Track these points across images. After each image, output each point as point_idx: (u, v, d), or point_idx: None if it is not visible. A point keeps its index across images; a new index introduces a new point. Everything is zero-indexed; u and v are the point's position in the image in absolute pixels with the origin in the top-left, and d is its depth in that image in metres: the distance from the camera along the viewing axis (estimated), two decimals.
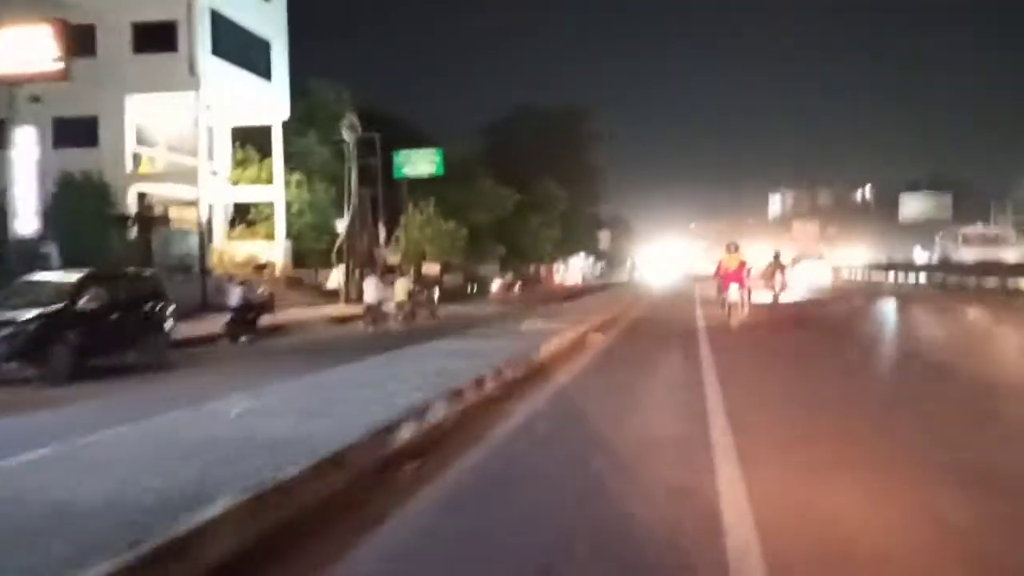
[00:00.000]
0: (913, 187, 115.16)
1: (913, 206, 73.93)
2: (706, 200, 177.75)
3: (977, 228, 44.04)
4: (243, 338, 17.87)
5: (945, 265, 38.91)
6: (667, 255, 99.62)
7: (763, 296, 21.82)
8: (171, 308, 13.59)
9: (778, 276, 23.41)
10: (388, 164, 36.05)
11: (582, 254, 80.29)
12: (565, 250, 66.35)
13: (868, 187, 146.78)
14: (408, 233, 34.49)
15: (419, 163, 36.25)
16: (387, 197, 35.18)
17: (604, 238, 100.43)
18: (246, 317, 18.40)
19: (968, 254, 37.03)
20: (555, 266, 66.06)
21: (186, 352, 15.51)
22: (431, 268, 39.36)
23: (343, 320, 24.72)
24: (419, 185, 37.16)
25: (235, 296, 18.46)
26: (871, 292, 33.11)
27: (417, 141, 37.93)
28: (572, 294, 36.25)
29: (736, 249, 17.95)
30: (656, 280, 51.61)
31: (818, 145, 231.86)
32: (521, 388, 8.50)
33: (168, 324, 13.36)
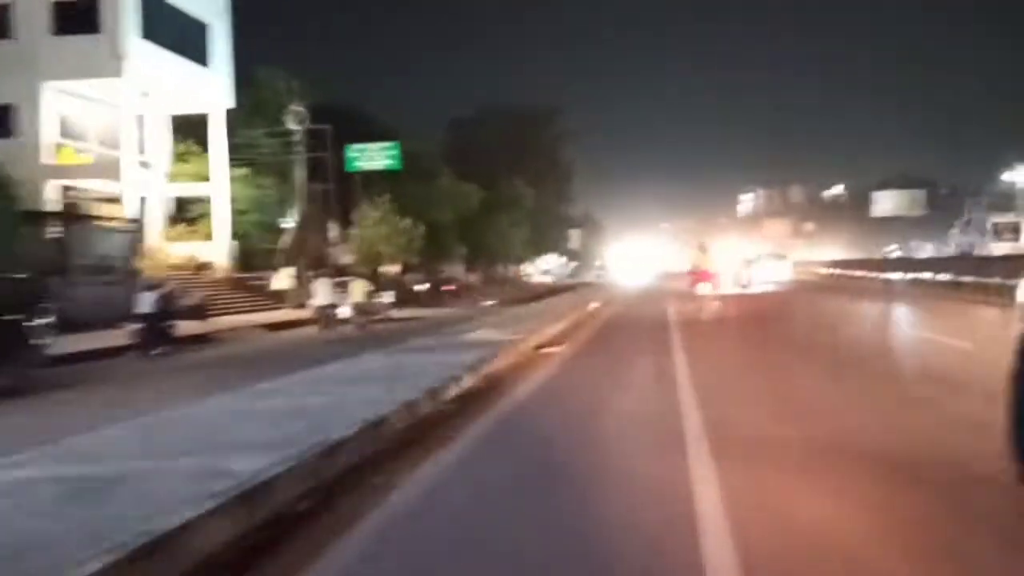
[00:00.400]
0: (884, 185, 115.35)
1: (886, 203, 72.94)
2: (677, 199, 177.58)
3: (1008, 217, 38.82)
4: (157, 350, 15.61)
5: (965, 260, 31.32)
6: (638, 254, 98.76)
7: (731, 289, 24.29)
8: (47, 318, 11.31)
9: (743, 272, 26.13)
10: (344, 160, 33.86)
11: (553, 254, 78.61)
12: (535, 249, 64.52)
13: (841, 186, 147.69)
14: (362, 231, 32.17)
15: (374, 157, 33.95)
16: (342, 194, 32.95)
17: (575, 237, 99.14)
18: (160, 325, 16.12)
19: (999, 248, 33.43)
20: (524, 266, 64.24)
21: (78, 369, 13.27)
22: (391, 269, 37.29)
23: (286, 326, 22.49)
24: (376, 182, 34.85)
25: (147, 302, 16.16)
26: (834, 288, 32.58)
27: (377, 136, 35.76)
28: (539, 295, 34.33)
29: (706, 249, 20.11)
30: (627, 279, 50.47)
31: (789, 144, 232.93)
32: (437, 431, 6.27)
33: (41, 337, 11.09)
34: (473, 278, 51.74)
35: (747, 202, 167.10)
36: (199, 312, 21.24)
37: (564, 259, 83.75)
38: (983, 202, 46.11)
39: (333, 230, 31.72)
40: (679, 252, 77.29)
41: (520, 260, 59.58)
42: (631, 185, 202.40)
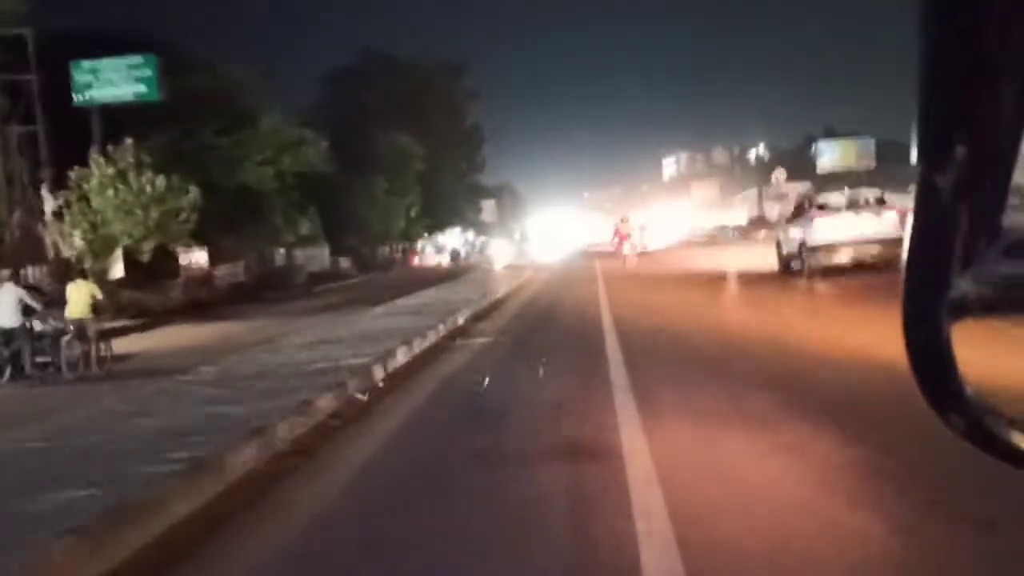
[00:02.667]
0: (810, 140, 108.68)
1: (831, 156, 64.62)
2: (599, 167, 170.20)
3: None
4: None
5: None
6: (559, 226, 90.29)
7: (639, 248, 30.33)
8: None
9: (640, 236, 32.37)
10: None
11: (456, 228, 67.34)
12: (434, 223, 53.01)
13: (762, 145, 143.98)
14: (80, 202, 19.47)
15: (116, 80, 21.73)
16: (73, 144, 20.73)
17: (488, 209, 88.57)
18: None
19: None
20: (418, 244, 52.57)
21: None
22: (192, 258, 25.39)
23: None
24: (141, 127, 22.52)
25: None
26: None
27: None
28: (423, 283, 23.23)
29: (626, 220, 28.95)
30: (546, 255, 43.06)
31: (710, 107, 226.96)
32: None
33: None
34: (346, 263, 40.18)
35: (670, 166, 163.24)
36: None
37: (471, 234, 72.83)
38: None
39: (49, 202, 19.53)
40: (602, 222, 79.25)
41: (411, 237, 47.88)
42: (552, 153, 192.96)
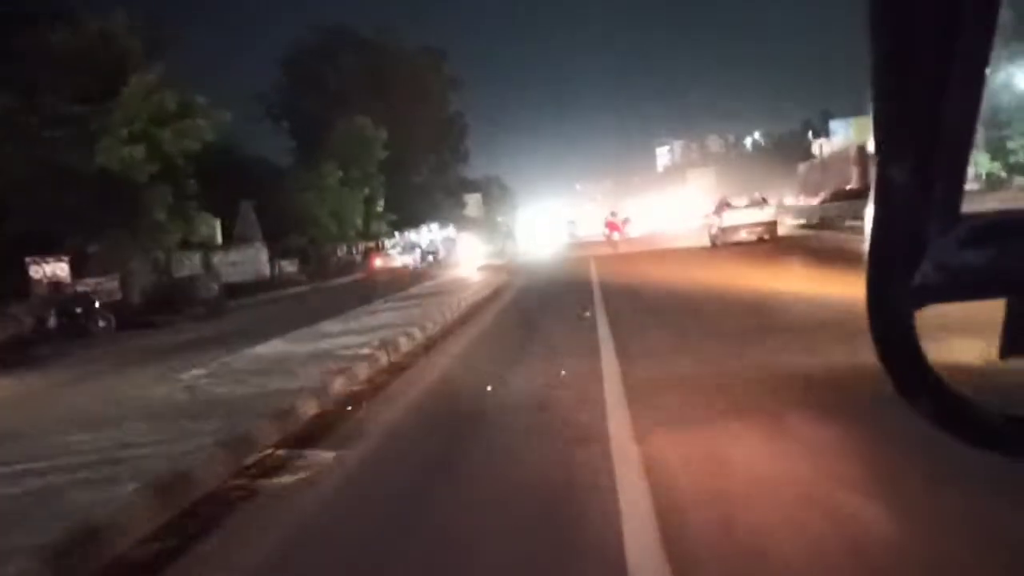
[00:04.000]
0: (807, 126, 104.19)
1: (845, 134, 59.00)
2: (592, 159, 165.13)
3: None
4: None
5: None
6: (550, 220, 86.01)
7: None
8: None
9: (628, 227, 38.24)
10: None
11: (435, 224, 60.90)
12: (405, 219, 46.58)
13: (757, 133, 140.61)
14: None
15: None
16: None
17: (473, 203, 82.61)
18: None
19: None
20: (387, 243, 45.92)
21: None
22: (49, 269, 19.20)
23: None
24: None
25: None
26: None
27: None
28: (366, 296, 16.87)
29: (616, 213, 35.86)
30: (537, 249, 42.50)
31: (705, 96, 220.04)
32: None
33: None
34: (292, 267, 33.78)
35: (664, 155, 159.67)
36: None
37: (451, 230, 66.69)
38: None
39: None
40: (595, 213, 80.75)
41: (373, 235, 41.22)
42: (544, 147, 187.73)
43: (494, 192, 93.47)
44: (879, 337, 0.57)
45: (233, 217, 29.32)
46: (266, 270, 30.28)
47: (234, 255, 27.25)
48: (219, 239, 26.63)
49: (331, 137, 33.94)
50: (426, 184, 52.85)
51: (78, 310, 17.05)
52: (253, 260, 29.26)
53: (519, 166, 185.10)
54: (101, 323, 17.38)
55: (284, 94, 54.35)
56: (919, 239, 0.55)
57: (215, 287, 21.38)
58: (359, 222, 36.53)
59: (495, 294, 15.78)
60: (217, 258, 25.78)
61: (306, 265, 33.71)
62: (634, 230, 44.35)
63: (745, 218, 22.27)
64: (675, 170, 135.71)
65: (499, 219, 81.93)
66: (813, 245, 19.71)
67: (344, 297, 19.25)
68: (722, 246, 21.90)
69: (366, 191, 36.83)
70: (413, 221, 48.58)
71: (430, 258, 43.87)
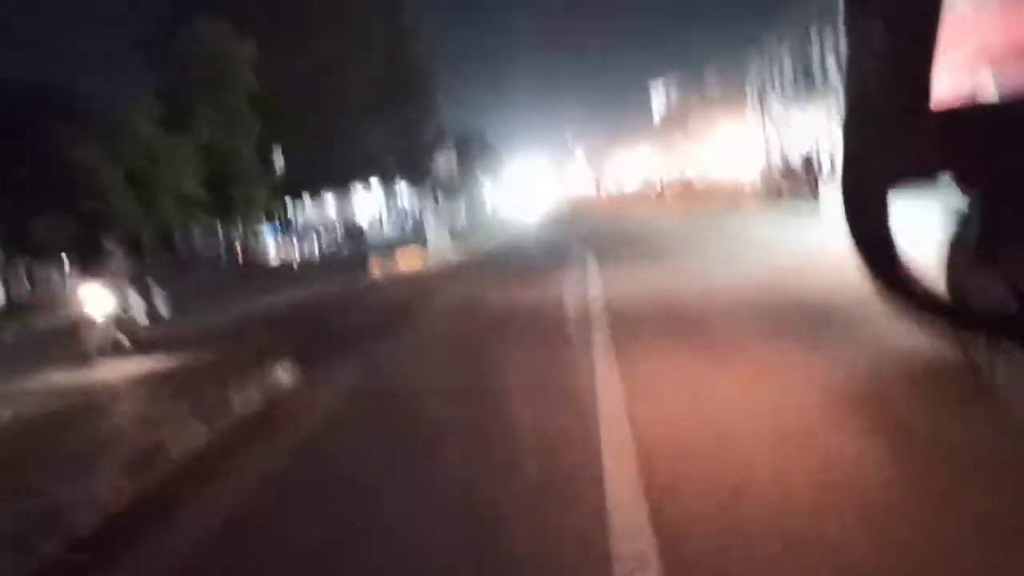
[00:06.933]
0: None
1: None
2: (587, 106, 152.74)
3: None
4: None
5: None
6: (535, 182, 76.63)
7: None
8: None
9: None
10: None
11: (373, 179, 48.05)
12: (317, 182, 34.14)
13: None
14: None
15: None
16: None
17: (444, 161, 70.00)
18: None
19: None
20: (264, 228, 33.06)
21: None
22: None
23: None
24: None
25: None
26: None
27: None
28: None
29: (602, 178, 69.77)
30: (518, 217, 43.51)
31: (699, 35, 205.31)
32: None
33: None
34: (56, 279, 21.95)
35: (659, 97, 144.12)
36: None
37: (410, 198, 54.33)
38: None
39: None
40: (586, 174, 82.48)
41: (255, 213, 28.63)
42: (532, 97, 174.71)
43: (474, 150, 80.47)
44: (860, 243, 0.87)
45: None
46: None
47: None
48: None
49: (156, 56, 21.71)
50: (362, 137, 40.04)
51: None
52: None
53: (505, 120, 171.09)
54: None
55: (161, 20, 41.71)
56: (890, 125, 0.82)
57: None
58: (190, 188, 22.63)
59: None
60: None
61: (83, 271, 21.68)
62: (620, 188, 53.76)
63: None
64: (676, 115, 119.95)
65: (467, 188, 69.85)
66: None
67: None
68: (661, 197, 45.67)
69: (207, 140, 23.17)
70: (330, 183, 35.51)
71: (362, 240, 31.94)
